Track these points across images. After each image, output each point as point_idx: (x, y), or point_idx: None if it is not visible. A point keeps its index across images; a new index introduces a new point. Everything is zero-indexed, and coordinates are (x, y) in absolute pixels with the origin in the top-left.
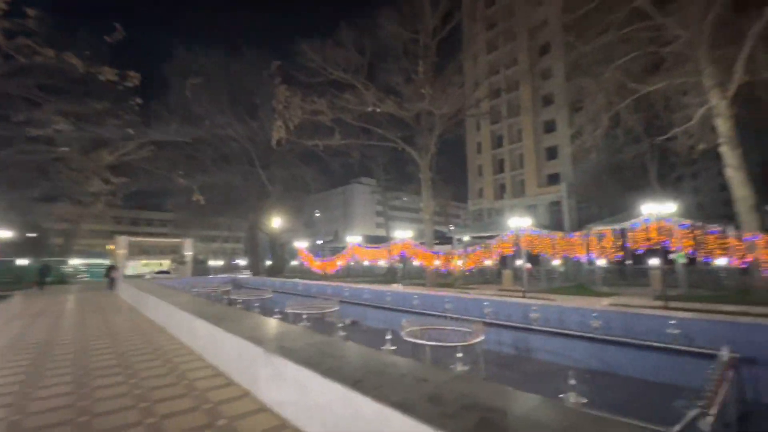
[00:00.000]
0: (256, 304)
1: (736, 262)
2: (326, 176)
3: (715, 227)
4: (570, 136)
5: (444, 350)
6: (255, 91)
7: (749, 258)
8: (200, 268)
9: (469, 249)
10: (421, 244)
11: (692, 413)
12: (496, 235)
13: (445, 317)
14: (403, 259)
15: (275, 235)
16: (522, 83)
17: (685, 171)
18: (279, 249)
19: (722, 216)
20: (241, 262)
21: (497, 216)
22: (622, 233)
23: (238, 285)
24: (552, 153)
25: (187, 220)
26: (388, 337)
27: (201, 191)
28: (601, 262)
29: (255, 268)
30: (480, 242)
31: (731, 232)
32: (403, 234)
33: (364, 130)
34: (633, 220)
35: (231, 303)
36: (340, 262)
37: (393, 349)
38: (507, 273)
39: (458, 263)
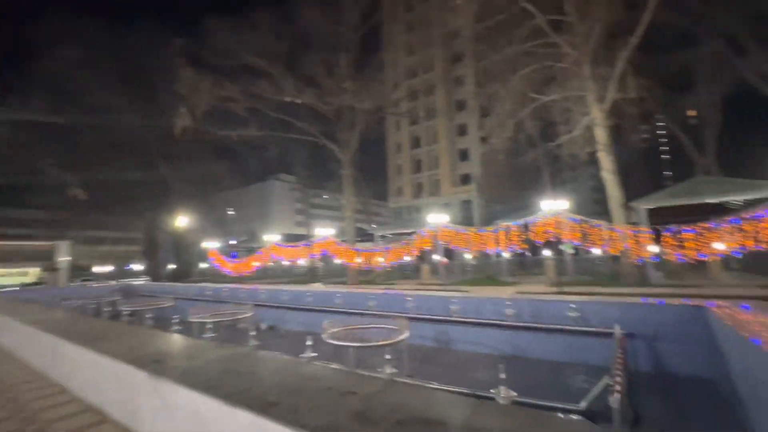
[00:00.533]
0: (148, 315)
1: (610, 251)
2: (241, 171)
3: (598, 221)
4: (480, 139)
5: (370, 350)
6: (154, 71)
7: (620, 247)
8: (81, 275)
9: (390, 246)
10: (343, 241)
11: (596, 389)
12: (416, 232)
13: (369, 315)
14: (325, 257)
15: (181, 236)
16: (438, 88)
17: (569, 175)
18: (185, 251)
19: (594, 213)
20: (138, 266)
21: (416, 213)
22: (526, 227)
23: (129, 293)
24: (464, 155)
25: (65, 220)
26: (309, 342)
27: (84, 185)
28: (506, 255)
29: (154, 273)
30: (400, 239)
31: (605, 225)
32: (324, 232)
33: (283, 123)
34: (534, 216)
35: (116, 316)
36: (256, 263)
37: (314, 356)
38: (425, 267)
39: (380, 260)
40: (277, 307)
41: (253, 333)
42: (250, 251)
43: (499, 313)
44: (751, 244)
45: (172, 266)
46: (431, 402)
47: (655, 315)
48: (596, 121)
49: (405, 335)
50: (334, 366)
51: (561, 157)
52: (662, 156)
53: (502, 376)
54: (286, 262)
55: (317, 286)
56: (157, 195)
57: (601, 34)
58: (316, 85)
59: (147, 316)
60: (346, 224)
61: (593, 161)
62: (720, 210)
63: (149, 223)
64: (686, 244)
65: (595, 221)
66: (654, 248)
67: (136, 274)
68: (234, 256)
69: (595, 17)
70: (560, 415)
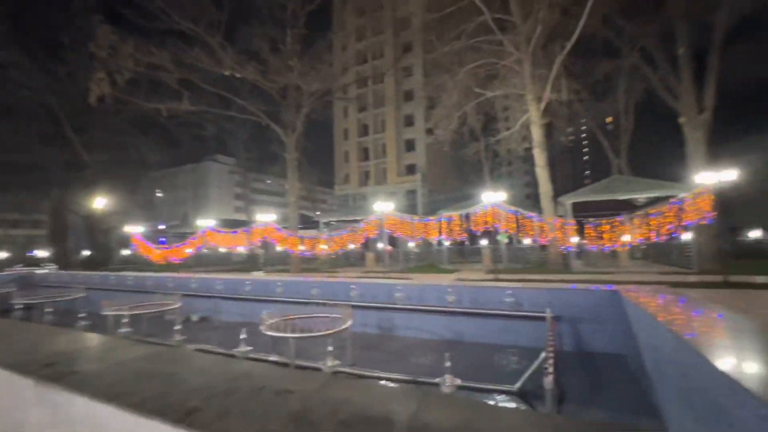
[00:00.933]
0: (49, 309)
1: (540, 241)
2: (173, 150)
3: (531, 213)
4: (426, 130)
5: (312, 341)
6: (62, 27)
7: (549, 237)
8: None
9: (335, 233)
10: (285, 228)
11: (529, 371)
12: (361, 219)
13: (312, 303)
14: (266, 244)
15: (97, 219)
16: (387, 76)
17: (506, 169)
18: (103, 236)
19: (527, 206)
20: (43, 253)
21: (362, 201)
22: (467, 217)
23: (29, 284)
24: (411, 145)
25: None
26: (243, 336)
27: None
28: (447, 243)
29: (63, 260)
30: (345, 226)
31: (537, 217)
32: (265, 218)
33: (222, 99)
34: (474, 207)
35: (6, 311)
36: (189, 250)
37: (249, 350)
38: (370, 255)
39: (324, 247)
40: (211, 297)
41: (178, 327)
42: (182, 237)
43: (441, 300)
44: (652, 237)
45: (87, 253)
46: (376, 397)
47: (578, 299)
48: (533, 119)
49: (348, 323)
50: (274, 358)
51: (500, 153)
52: (584, 156)
53: (447, 364)
54: (223, 250)
55: (258, 275)
56: (67, 171)
57: (541, 36)
58: (259, 60)
59: (47, 310)
60: (290, 211)
61: (528, 158)
62: (629, 206)
63: (57, 204)
64: (603, 235)
65: (528, 213)
66: (576, 239)
67: (39, 262)
68: (163, 243)
69: (537, 20)
70: (498, 397)
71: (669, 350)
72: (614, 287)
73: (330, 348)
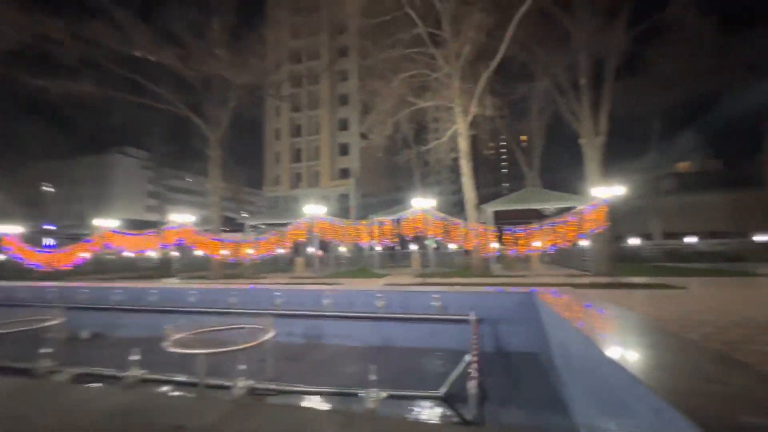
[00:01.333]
0: None
1: (465, 246)
2: (70, 138)
3: (457, 220)
4: (360, 134)
5: (230, 356)
6: None
7: (473, 243)
8: None
9: (263, 237)
10: (207, 231)
11: (454, 374)
12: (290, 223)
13: (231, 314)
14: (184, 249)
15: None
16: (322, 78)
17: (435, 178)
18: None
19: (453, 213)
20: None
21: (293, 203)
22: (398, 222)
23: None
24: (345, 149)
25: None
26: (135, 357)
27: None
28: (378, 248)
29: None
30: (274, 229)
31: (463, 224)
32: (180, 218)
33: (134, 84)
34: (405, 212)
35: None
36: (83, 254)
37: (144, 373)
38: (299, 260)
39: (249, 251)
40: (107, 310)
41: (48, 350)
42: (74, 239)
43: (370, 305)
44: (560, 243)
45: None
46: (294, 425)
47: (499, 301)
48: (460, 131)
49: (270, 335)
50: (182, 378)
51: (430, 161)
52: (502, 168)
53: (373, 377)
54: (130, 254)
55: (170, 282)
56: None
57: (470, 54)
58: (179, 44)
59: None
60: (212, 212)
61: (455, 167)
62: (541, 215)
63: None
64: (519, 241)
65: (455, 219)
66: (497, 244)
67: None
68: (51, 247)
69: (466, 39)
70: (424, 404)
71: (577, 348)
72: (537, 290)
73: (242, 366)
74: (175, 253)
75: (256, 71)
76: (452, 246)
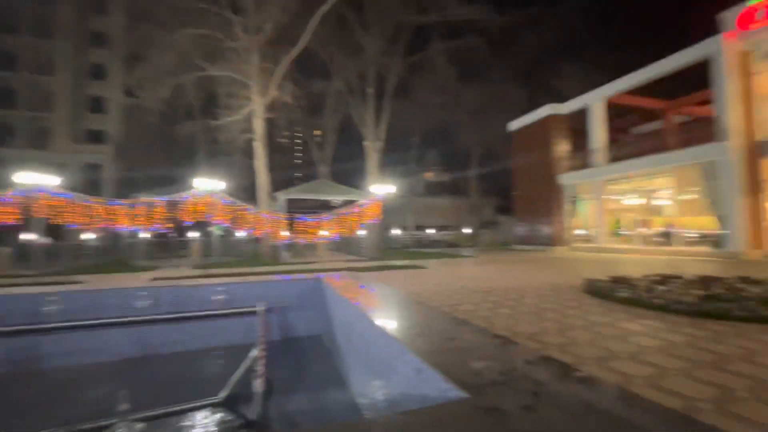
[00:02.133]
0: None
1: (254, 234)
2: None
3: (250, 206)
4: (124, 90)
5: None
6: None
7: (264, 230)
8: None
9: None
10: None
11: (238, 373)
12: None
13: None
14: None
15: None
16: None
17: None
18: None
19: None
20: None
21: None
22: (175, 205)
23: None
24: (98, 104)
25: None
26: None
27: None
28: (145, 235)
29: None
30: None
31: (253, 210)
32: None
33: None
34: (185, 192)
35: None
36: None
37: None
38: (4, 251)
39: None
40: None
41: None
42: None
43: (129, 307)
44: (345, 232)
45: None
46: None
47: (289, 289)
48: (257, 112)
49: None
50: None
51: (219, 140)
52: (296, 159)
53: (124, 406)
54: None
55: None
56: None
57: (271, 32)
58: None
59: None
60: None
61: (247, 150)
62: (329, 206)
63: None
64: (308, 230)
65: (245, 205)
66: (288, 232)
67: None
68: None
69: (268, 14)
70: (201, 414)
71: (355, 325)
72: (323, 275)
73: None
74: None
75: None
76: (240, 233)
